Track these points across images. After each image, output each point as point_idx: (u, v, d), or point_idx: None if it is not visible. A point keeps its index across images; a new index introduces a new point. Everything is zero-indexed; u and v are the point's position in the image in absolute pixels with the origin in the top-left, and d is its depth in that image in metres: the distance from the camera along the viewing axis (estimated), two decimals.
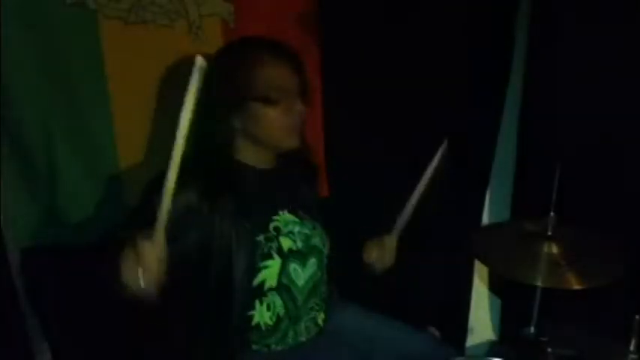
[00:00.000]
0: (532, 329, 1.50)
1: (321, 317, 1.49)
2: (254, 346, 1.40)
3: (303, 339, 1.44)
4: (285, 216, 1.42)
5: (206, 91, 1.12)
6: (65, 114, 1.49)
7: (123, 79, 1.51)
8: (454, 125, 1.81)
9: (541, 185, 1.56)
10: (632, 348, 1.31)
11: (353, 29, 1.70)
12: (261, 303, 1.37)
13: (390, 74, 1.76)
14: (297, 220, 1.43)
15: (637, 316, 1.31)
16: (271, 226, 1.38)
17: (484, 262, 1.65)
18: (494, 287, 2.11)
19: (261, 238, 1.36)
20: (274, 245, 1.37)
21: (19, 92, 1.42)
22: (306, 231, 1.44)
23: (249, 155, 1.41)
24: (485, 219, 2.01)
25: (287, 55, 1.37)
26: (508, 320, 2.08)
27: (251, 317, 1.37)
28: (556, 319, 1.55)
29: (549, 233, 1.48)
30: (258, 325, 1.38)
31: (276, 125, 1.37)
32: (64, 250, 1.57)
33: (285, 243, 1.38)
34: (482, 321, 2.15)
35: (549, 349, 1.51)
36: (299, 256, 1.40)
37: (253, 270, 1.35)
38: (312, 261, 1.43)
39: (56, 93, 1.47)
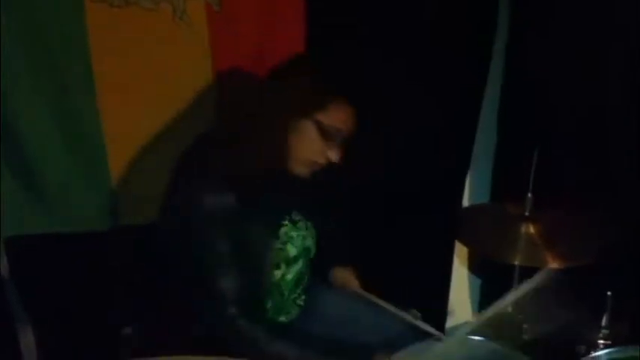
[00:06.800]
0: (510, 307, 1.54)
1: (302, 299, 1.52)
2: None
3: (284, 319, 1.49)
4: (288, 223, 1.44)
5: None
6: (52, 101, 1.48)
7: (109, 62, 1.50)
8: (437, 112, 1.84)
9: (520, 168, 1.59)
10: (603, 323, 1.36)
11: (339, 14, 1.70)
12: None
13: (374, 61, 1.77)
14: (295, 224, 1.46)
15: (608, 293, 1.35)
16: (281, 231, 1.41)
17: (465, 243, 1.69)
18: (475, 268, 2.15)
19: (277, 245, 1.40)
20: (283, 254, 1.41)
21: (5, 80, 1.41)
22: (302, 233, 1.47)
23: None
24: (466, 202, 2.06)
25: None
26: (487, 301, 2.12)
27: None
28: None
29: (527, 214, 1.52)
30: None
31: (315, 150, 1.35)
32: (51, 238, 1.56)
33: (291, 251, 1.43)
34: (461, 303, 2.19)
35: (525, 326, 1.55)
36: (295, 260, 1.45)
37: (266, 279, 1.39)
38: (301, 260, 1.47)
39: (42, 79, 1.45)
